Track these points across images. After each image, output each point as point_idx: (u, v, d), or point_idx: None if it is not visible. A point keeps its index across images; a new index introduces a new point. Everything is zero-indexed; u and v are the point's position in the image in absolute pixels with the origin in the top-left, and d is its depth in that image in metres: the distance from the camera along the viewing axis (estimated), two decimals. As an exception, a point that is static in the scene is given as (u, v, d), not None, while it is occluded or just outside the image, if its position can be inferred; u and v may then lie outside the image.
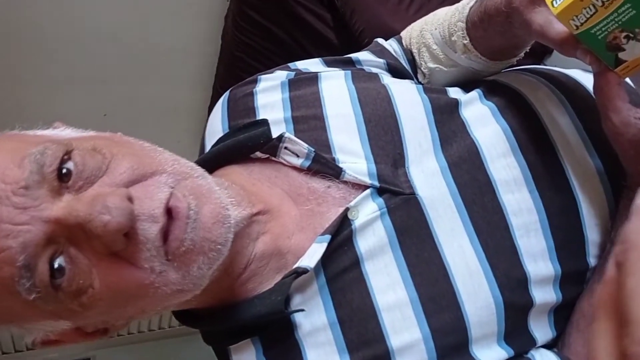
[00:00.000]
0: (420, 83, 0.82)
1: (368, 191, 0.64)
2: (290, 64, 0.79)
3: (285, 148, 0.66)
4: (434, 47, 0.78)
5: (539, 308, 0.63)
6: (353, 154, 0.66)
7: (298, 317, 0.61)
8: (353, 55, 0.80)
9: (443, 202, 0.64)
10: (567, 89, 0.71)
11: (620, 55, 0.55)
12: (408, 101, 0.70)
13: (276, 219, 0.64)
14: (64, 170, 0.52)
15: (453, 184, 0.65)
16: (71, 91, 1.82)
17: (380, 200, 0.63)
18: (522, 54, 0.77)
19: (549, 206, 0.64)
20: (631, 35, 0.53)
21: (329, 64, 0.78)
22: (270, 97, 0.73)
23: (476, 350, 0.60)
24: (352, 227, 0.62)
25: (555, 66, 0.82)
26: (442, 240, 0.62)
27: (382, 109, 0.69)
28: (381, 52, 0.82)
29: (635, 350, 0.29)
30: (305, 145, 0.65)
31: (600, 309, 0.34)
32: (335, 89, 0.72)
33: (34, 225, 0.49)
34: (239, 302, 0.63)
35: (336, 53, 1.49)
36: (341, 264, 0.62)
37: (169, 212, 0.53)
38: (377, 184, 0.64)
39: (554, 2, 0.55)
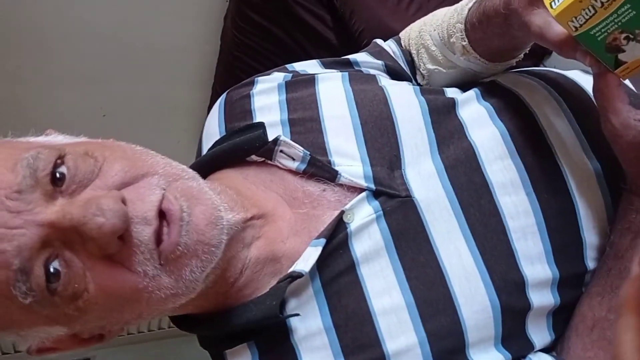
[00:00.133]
0: (418, 84, 0.82)
1: (364, 194, 0.63)
2: (287, 66, 0.79)
3: (281, 151, 0.66)
4: (433, 48, 0.78)
5: (537, 311, 0.63)
6: (349, 157, 0.66)
7: (293, 322, 0.61)
8: (351, 57, 0.80)
9: (439, 205, 0.64)
10: (565, 90, 0.71)
11: (620, 56, 0.54)
12: (405, 103, 0.70)
13: (271, 223, 0.64)
14: (57, 175, 0.52)
15: (449, 187, 0.64)
16: (70, 91, 1.83)
17: (376, 203, 0.63)
18: (522, 56, 0.76)
19: (546, 209, 0.64)
20: (631, 36, 0.52)
21: (326, 65, 0.78)
22: (267, 99, 0.72)
23: (473, 354, 0.60)
24: (348, 230, 0.62)
25: (555, 67, 0.82)
26: (438, 243, 0.62)
27: (379, 110, 0.69)
28: (379, 53, 0.81)
29: None
30: (301, 148, 0.65)
31: (626, 305, 0.36)
32: (332, 90, 0.71)
33: (28, 229, 0.49)
34: (234, 307, 0.63)
35: (335, 53, 1.49)
36: (336, 268, 0.61)
37: (161, 215, 0.53)
38: (372, 186, 0.63)
39: (553, 4, 0.54)
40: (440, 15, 0.78)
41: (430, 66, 0.79)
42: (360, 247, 0.62)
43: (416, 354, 0.59)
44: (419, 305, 0.60)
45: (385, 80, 0.76)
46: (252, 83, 0.75)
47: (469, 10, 0.72)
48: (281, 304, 0.60)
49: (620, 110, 0.56)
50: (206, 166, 0.68)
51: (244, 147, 0.67)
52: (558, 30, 0.57)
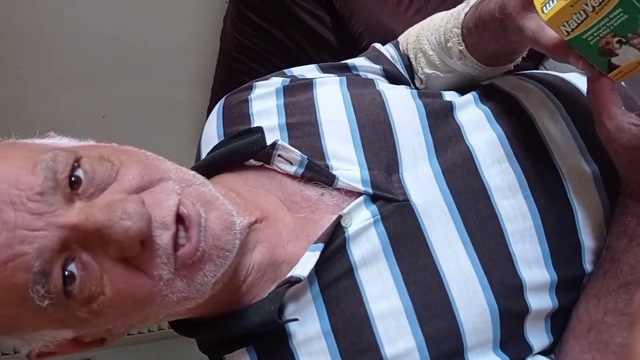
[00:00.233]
0: (416, 88, 0.82)
1: (361, 198, 0.63)
2: (285, 70, 0.79)
3: (279, 155, 0.66)
4: (430, 52, 0.78)
5: (535, 314, 0.63)
6: (346, 161, 0.66)
7: (292, 326, 0.61)
8: (349, 61, 0.80)
9: (437, 209, 0.64)
10: (563, 94, 0.71)
11: (613, 60, 0.54)
12: (402, 107, 0.70)
13: (272, 227, 0.64)
14: (74, 178, 0.52)
15: (447, 190, 0.65)
16: (70, 92, 1.83)
17: (374, 207, 0.63)
18: (519, 59, 0.77)
19: (544, 212, 0.64)
20: (624, 40, 0.52)
21: (324, 70, 0.78)
22: (265, 104, 0.72)
23: (471, 358, 0.60)
24: (346, 234, 0.62)
25: (554, 69, 0.82)
26: (436, 247, 0.62)
27: (376, 114, 0.69)
28: (377, 57, 0.82)
29: None
30: (299, 152, 0.65)
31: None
32: (330, 95, 0.72)
33: (49, 231, 0.49)
34: (234, 312, 0.63)
35: (335, 54, 1.49)
36: (335, 272, 0.61)
37: (178, 220, 0.53)
38: (370, 190, 0.63)
39: (544, 8, 0.54)
40: (438, 20, 0.78)
41: (428, 70, 0.79)
42: (358, 251, 0.62)
43: (414, 358, 0.59)
44: (417, 309, 0.60)
45: (382, 84, 0.76)
46: (251, 88, 0.76)
47: (466, 14, 0.72)
48: (280, 309, 0.60)
49: (614, 113, 0.56)
50: (205, 170, 0.68)
51: (243, 151, 0.67)
52: (551, 34, 0.57)
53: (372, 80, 0.76)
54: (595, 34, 0.53)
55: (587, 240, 0.65)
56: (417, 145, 0.67)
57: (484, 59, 0.73)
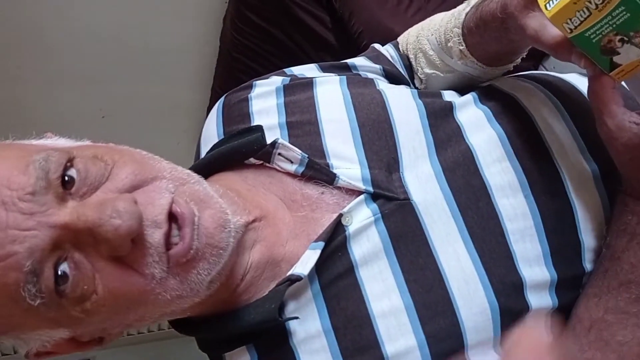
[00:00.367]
0: (416, 88, 0.82)
1: (362, 197, 0.64)
2: (286, 69, 0.79)
3: (279, 154, 0.66)
4: (431, 52, 0.78)
5: (535, 313, 0.63)
6: (347, 159, 0.66)
7: (292, 325, 0.61)
8: (349, 61, 0.80)
9: (437, 208, 0.64)
10: (563, 93, 0.71)
11: (615, 59, 0.54)
12: (403, 106, 0.70)
13: (271, 226, 0.64)
14: (67, 178, 0.52)
15: (448, 189, 0.65)
16: (70, 92, 1.83)
17: (375, 205, 0.63)
18: (519, 60, 0.77)
19: (544, 211, 0.64)
20: (626, 38, 0.52)
21: (324, 69, 0.78)
22: (265, 102, 0.73)
23: (472, 356, 0.60)
24: (346, 233, 0.62)
25: (553, 68, 0.82)
26: (437, 245, 0.62)
27: (376, 113, 0.69)
28: (377, 57, 0.82)
29: None
30: (299, 151, 0.65)
31: None
32: (330, 94, 0.72)
33: (40, 231, 0.49)
34: (233, 310, 0.63)
35: (335, 54, 1.49)
36: (335, 271, 0.61)
37: (171, 218, 0.53)
38: (371, 189, 0.64)
39: (548, 5, 0.54)
40: (438, 20, 0.78)
41: (428, 70, 0.79)
42: (358, 249, 0.62)
43: (415, 357, 0.59)
44: (418, 307, 0.60)
45: (383, 84, 0.76)
46: (251, 87, 0.76)
47: (466, 14, 0.72)
48: (280, 307, 0.60)
49: (615, 112, 0.56)
50: (205, 169, 0.68)
51: (242, 150, 0.67)
52: (553, 32, 0.57)
53: (372, 79, 0.76)
54: (597, 32, 0.53)
55: (587, 239, 0.65)
56: (418, 144, 0.67)
57: (485, 59, 0.73)
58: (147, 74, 1.86)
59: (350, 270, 0.61)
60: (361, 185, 0.64)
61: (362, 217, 0.63)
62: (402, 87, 0.77)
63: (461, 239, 0.63)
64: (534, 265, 0.63)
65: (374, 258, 0.62)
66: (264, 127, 0.68)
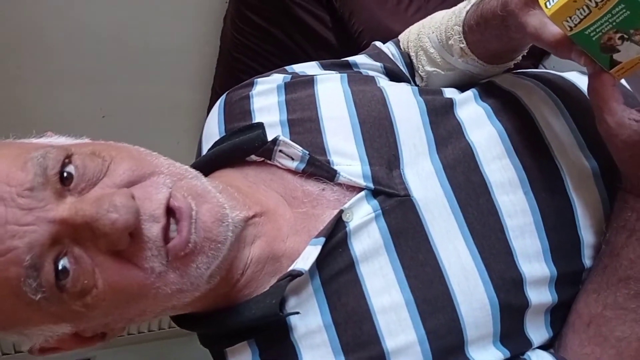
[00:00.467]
0: (417, 85, 0.82)
1: (362, 193, 0.64)
2: (287, 67, 0.79)
3: (280, 151, 0.66)
4: (431, 50, 0.79)
5: (535, 309, 0.63)
6: (348, 156, 0.66)
7: (293, 320, 0.61)
8: (350, 59, 0.80)
9: (438, 204, 0.64)
10: (563, 91, 0.72)
11: (615, 56, 0.54)
12: (403, 103, 0.71)
13: (272, 221, 0.65)
14: (65, 174, 0.53)
15: (448, 186, 0.65)
16: (70, 92, 1.83)
17: (375, 202, 0.63)
18: (520, 58, 0.77)
19: (543, 208, 0.64)
20: (626, 36, 0.52)
21: (325, 67, 0.79)
22: (267, 100, 0.73)
23: (472, 351, 0.61)
24: (347, 229, 0.62)
25: (554, 67, 0.82)
26: (437, 242, 0.63)
27: (377, 111, 0.69)
28: (378, 55, 0.82)
29: None
30: (300, 148, 0.65)
31: None
32: (331, 91, 0.72)
33: (39, 226, 0.50)
34: (235, 305, 0.63)
35: (335, 54, 1.50)
36: (336, 266, 0.62)
37: (169, 212, 0.54)
38: (371, 186, 0.64)
39: (548, 4, 0.54)
40: (439, 18, 0.79)
41: (428, 68, 0.80)
42: (359, 245, 0.62)
43: (415, 352, 0.59)
44: (418, 303, 0.60)
45: (383, 82, 0.76)
46: (252, 84, 0.76)
47: (467, 12, 0.72)
48: (281, 303, 0.61)
49: (615, 109, 0.57)
50: (206, 166, 0.69)
51: (244, 147, 0.68)
52: (553, 30, 0.57)
53: (372, 77, 0.77)
54: (597, 30, 0.53)
55: (587, 236, 0.65)
56: (418, 141, 0.68)
57: (485, 57, 0.74)
58: (147, 74, 1.86)
59: (350, 266, 0.62)
60: (362, 182, 0.64)
61: (362, 213, 0.63)
62: (403, 84, 0.78)
63: (461, 236, 0.63)
64: (533, 261, 0.63)
65: (374, 254, 0.62)
66: (265, 125, 0.68)
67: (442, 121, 0.70)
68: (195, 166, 0.66)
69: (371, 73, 0.78)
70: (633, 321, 0.60)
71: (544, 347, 0.66)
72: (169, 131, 1.90)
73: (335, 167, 0.65)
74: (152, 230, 0.53)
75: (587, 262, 0.65)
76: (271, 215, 0.65)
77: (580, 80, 0.74)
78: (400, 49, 0.85)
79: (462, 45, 0.74)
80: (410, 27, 0.86)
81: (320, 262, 0.62)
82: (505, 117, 0.69)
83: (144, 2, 1.77)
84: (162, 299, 0.55)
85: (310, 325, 0.61)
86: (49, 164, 0.52)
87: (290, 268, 0.61)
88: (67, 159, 0.53)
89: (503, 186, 0.65)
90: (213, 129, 0.75)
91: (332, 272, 0.62)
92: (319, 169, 0.65)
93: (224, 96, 0.77)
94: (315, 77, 0.75)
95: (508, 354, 0.62)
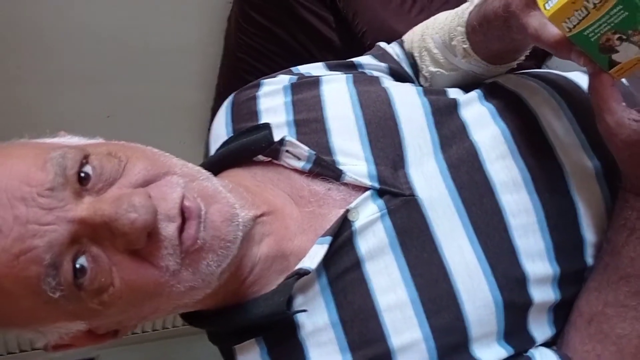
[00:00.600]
0: (421, 86, 0.83)
1: (368, 193, 0.65)
2: (293, 68, 0.80)
3: (287, 151, 0.67)
4: (435, 51, 0.79)
5: (538, 307, 0.64)
6: (353, 156, 0.67)
7: (301, 317, 0.62)
8: (355, 59, 0.81)
9: (442, 204, 0.65)
10: (566, 92, 0.72)
11: (614, 57, 0.55)
12: (408, 103, 0.71)
13: (280, 220, 0.66)
14: (83, 174, 0.54)
15: (452, 186, 0.66)
16: (75, 93, 1.83)
17: (381, 201, 0.64)
18: (523, 58, 0.77)
19: (547, 207, 0.65)
20: (624, 37, 0.53)
21: (331, 67, 0.79)
22: (273, 101, 0.74)
23: (476, 349, 0.61)
24: (353, 228, 0.63)
25: (556, 68, 0.83)
26: (441, 241, 0.63)
27: (382, 111, 0.70)
28: (383, 56, 0.83)
29: None
30: (306, 148, 0.66)
31: None
32: (336, 92, 0.73)
33: (59, 225, 0.51)
34: (243, 303, 0.64)
35: (338, 54, 1.50)
36: (342, 265, 0.63)
37: (183, 213, 0.55)
38: (377, 185, 0.65)
39: (547, 5, 0.55)
40: (442, 19, 0.79)
41: (432, 69, 0.80)
42: (365, 244, 0.63)
43: (420, 349, 0.60)
44: (423, 301, 0.61)
45: (388, 82, 0.77)
46: (258, 85, 0.77)
47: (470, 13, 0.73)
48: (288, 300, 0.62)
49: (615, 109, 0.57)
50: (214, 166, 0.70)
51: (251, 147, 0.69)
52: (553, 31, 0.57)
53: (377, 77, 0.77)
54: (596, 31, 0.53)
55: (589, 235, 0.66)
56: (423, 142, 0.68)
57: (488, 57, 0.74)
58: (152, 74, 1.86)
59: (356, 265, 0.62)
60: (367, 182, 0.65)
61: (368, 212, 0.64)
62: (407, 85, 0.78)
63: (465, 235, 0.64)
64: (536, 260, 0.64)
65: (380, 253, 0.63)
66: (271, 125, 0.69)
67: (446, 121, 0.70)
68: (204, 166, 0.67)
69: (376, 73, 0.79)
70: (633, 319, 0.61)
71: (547, 344, 0.67)
72: (173, 131, 1.90)
73: (341, 167, 0.66)
74: (168, 229, 0.53)
75: (590, 260, 0.66)
76: (279, 214, 0.66)
77: (583, 80, 0.75)
78: (405, 49, 0.85)
79: (465, 46, 0.74)
80: (414, 28, 0.86)
81: (326, 261, 0.62)
82: (509, 117, 0.70)
83: (148, 3, 1.77)
84: (175, 297, 0.56)
85: (317, 323, 0.62)
86: (67, 164, 0.53)
87: (298, 266, 0.62)
88: (85, 159, 0.54)
89: (507, 186, 0.66)
90: (221, 130, 0.76)
91: (339, 271, 0.63)
92: (325, 168, 0.66)
93: (231, 97, 0.78)
94: (320, 77, 0.75)
95: (512, 352, 0.63)
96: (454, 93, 0.75)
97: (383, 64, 0.81)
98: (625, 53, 0.54)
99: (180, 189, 0.56)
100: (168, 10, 1.79)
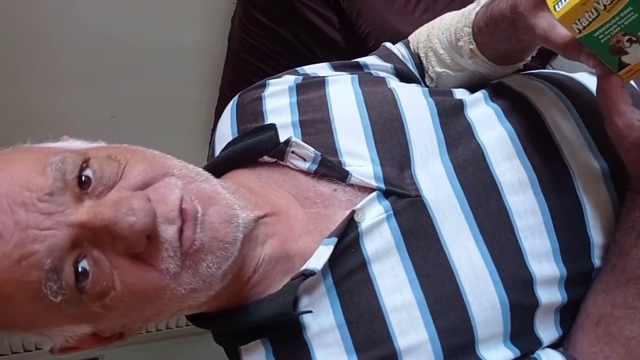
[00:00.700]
0: (427, 86, 0.82)
1: (374, 194, 0.64)
2: (298, 69, 0.80)
3: (293, 152, 0.67)
4: (441, 51, 0.79)
5: (545, 308, 0.64)
6: (359, 157, 0.67)
7: (306, 318, 0.62)
8: (360, 60, 0.81)
9: (449, 204, 0.65)
10: (573, 92, 0.72)
11: (624, 58, 0.55)
12: (414, 104, 0.71)
13: (284, 221, 0.65)
14: (83, 178, 0.54)
15: (459, 186, 0.65)
16: (79, 93, 1.84)
17: (387, 202, 0.64)
18: (529, 58, 0.77)
19: (553, 208, 0.65)
20: (634, 38, 0.53)
21: (336, 68, 0.79)
22: (278, 101, 0.74)
23: (482, 350, 0.61)
24: (359, 229, 0.63)
25: (561, 67, 0.82)
26: (448, 242, 0.63)
27: (388, 112, 0.70)
28: (388, 56, 0.83)
29: None
30: (312, 149, 0.66)
31: None
32: (342, 92, 0.73)
33: (59, 230, 0.51)
34: (248, 304, 0.64)
35: (342, 54, 1.50)
36: (348, 266, 0.62)
37: (181, 214, 0.55)
38: (383, 186, 0.64)
39: (557, 6, 0.55)
40: (448, 19, 0.79)
41: (438, 69, 0.80)
42: (371, 245, 0.63)
43: (427, 350, 0.60)
44: (429, 302, 0.61)
45: (394, 82, 0.77)
46: (264, 85, 0.77)
47: (477, 14, 0.72)
48: (294, 301, 0.61)
49: (624, 111, 0.57)
50: (219, 167, 0.70)
51: (256, 148, 0.69)
52: (562, 32, 0.57)
53: (383, 78, 0.77)
54: (606, 33, 0.53)
55: (596, 236, 0.65)
56: (429, 142, 0.68)
57: (495, 58, 0.74)
58: (155, 74, 1.87)
59: (362, 266, 0.62)
60: (373, 183, 0.65)
61: (374, 213, 0.64)
62: (413, 85, 0.78)
63: (472, 236, 0.64)
64: (543, 261, 0.64)
65: (386, 254, 0.63)
66: (277, 126, 0.69)
67: (452, 122, 0.70)
68: (208, 167, 0.67)
69: (381, 74, 0.79)
70: None
71: (553, 346, 0.66)
72: (177, 132, 1.90)
73: (346, 168, 0.66)
74: (168, 231, 0.54)
75: (597, 262, 0.65)
76: (283, 215, 0.66)
77: (589, 81, 0.75)
78: (410, 50, 0.85)
79: (471, 47, 0.74)
80: (420, 29, 0.86)
81: (332, 262, 0.62)
82: (515, 118, 0.69)
83: (152, 3, 1.77)
84: (177, 300, 0.56)
85: (323, 324, 0.62)
86: (67, 169, 0.53)
87: (303, 267, 0.61)
88: (85, 163, 0.54)
89: (513, 186, 0.65)
90: (226, 131, 0.76)
91: (344, 272, 0.62)
92: (330, 169, 0.66)
93: (236, 97, 0.78)
94: (326, 78, 0.75)
95: (518, 353, 0.62)
96: (460, 94, 0.75)
97: (389, 65, 0.80)
98: (634, 55, 0.54)
99: (179, 190, 0.56)
100: (171, 11, 1.80)
